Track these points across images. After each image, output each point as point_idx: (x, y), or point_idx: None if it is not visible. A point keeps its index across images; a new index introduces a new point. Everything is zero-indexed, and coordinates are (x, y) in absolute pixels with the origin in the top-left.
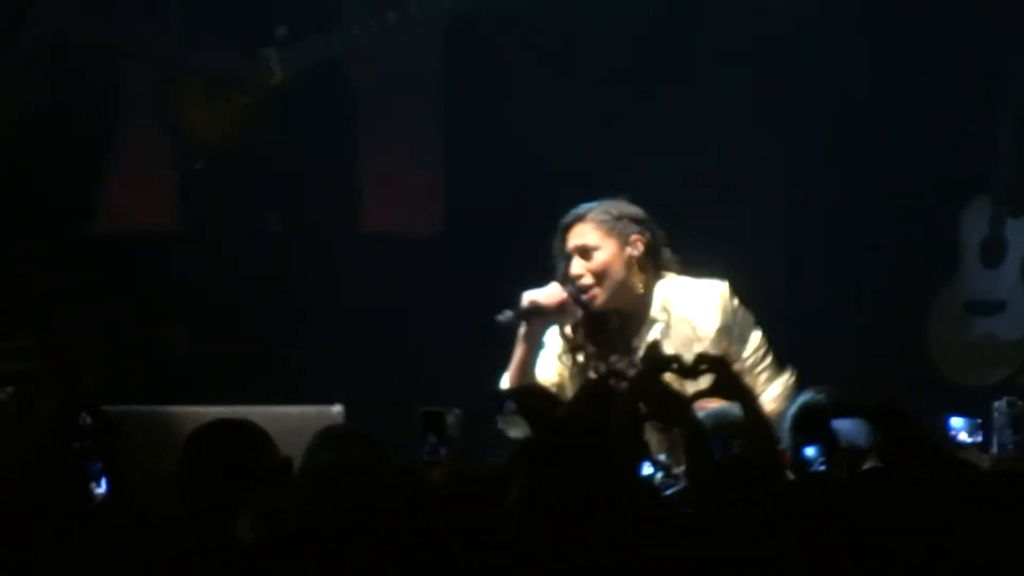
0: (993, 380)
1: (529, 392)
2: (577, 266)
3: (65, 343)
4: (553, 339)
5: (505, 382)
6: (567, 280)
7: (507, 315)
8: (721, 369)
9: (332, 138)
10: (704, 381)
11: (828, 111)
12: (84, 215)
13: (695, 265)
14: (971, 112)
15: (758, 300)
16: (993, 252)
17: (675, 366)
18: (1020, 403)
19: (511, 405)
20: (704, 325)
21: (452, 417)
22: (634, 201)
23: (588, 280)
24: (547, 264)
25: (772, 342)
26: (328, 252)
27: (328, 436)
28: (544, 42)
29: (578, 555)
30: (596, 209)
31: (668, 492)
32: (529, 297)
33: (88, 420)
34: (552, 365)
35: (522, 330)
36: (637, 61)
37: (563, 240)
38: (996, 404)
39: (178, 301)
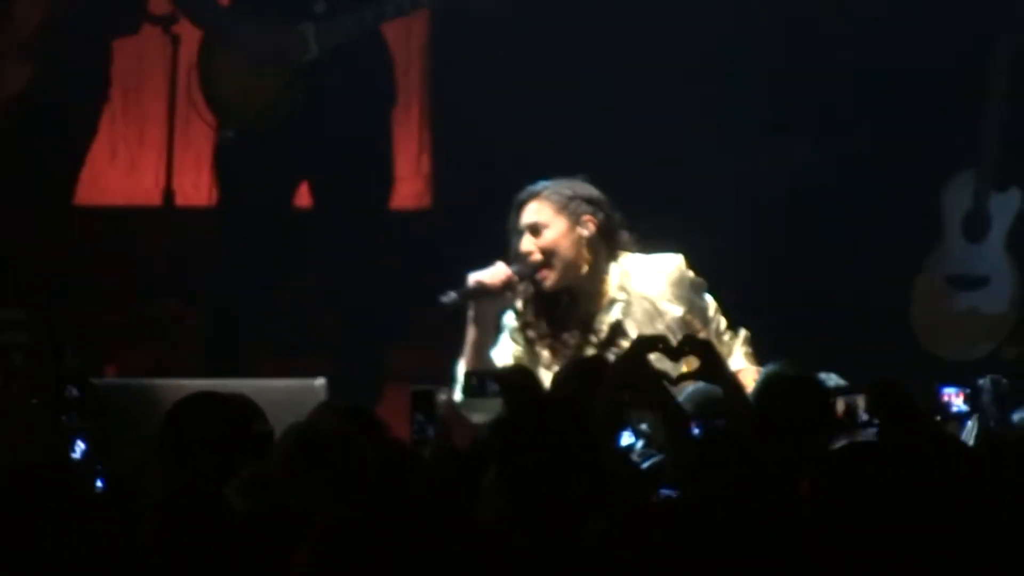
0: (977, 354)
1: (512, 372)
2: (527, 243)
3: (53, 316)
4: (510, 319)
5: (461, 367)
6: (517, 257)
7: (451, 296)
8: (706, 352)
9: (369, 114)
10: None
11: (812, 84)
12: (74, 186)
13: (676, 245)
14: (956, 86)
15: (740, 275)
16: (976, 226)
17: (661, 347)
18: (1004, 381)
19: (493, 385)
20: (664, 300)
21: (441, 396)
22: (614, 181)
23: (537, 257)
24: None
25: (750, 317)
26: (358, 229)
27: (328, 409)
28: (530, 25)
29: (557, 535)
30: (550, 187)
31: (648, 463)
32: (474, 277)
33: (75, 392)
34: (508, 346)
35: (471, 312)
36: (619, 42)
37: (517, 216)
38: (981, 382)
39: (174, 275)
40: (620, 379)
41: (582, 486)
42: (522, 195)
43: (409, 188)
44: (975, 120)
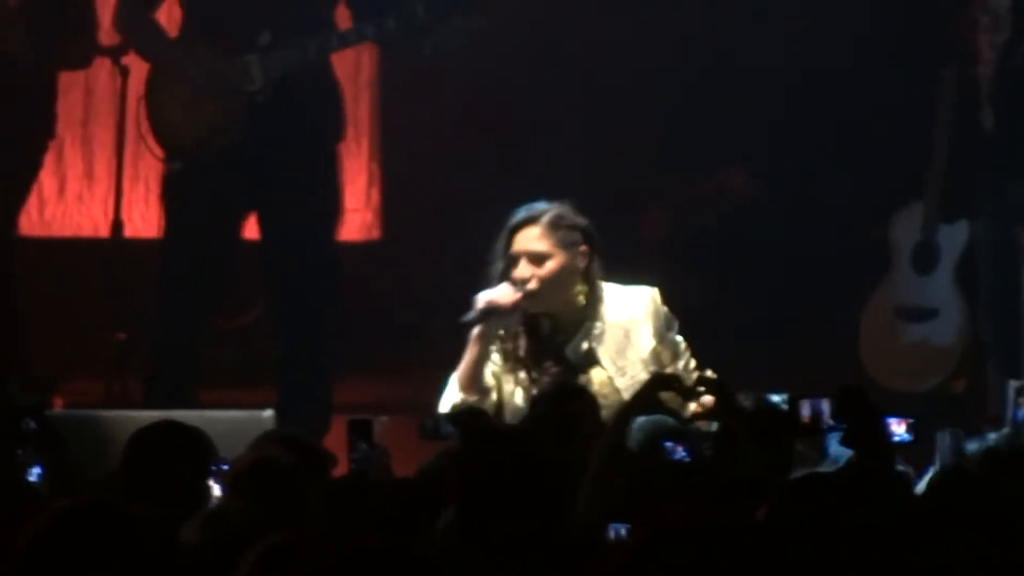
0: (925, 387)
1: (466, 413)
2: (525, 269)
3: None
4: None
5: (453, 383)
6: (511, 282)
7: (471, 316)
8: (719, 392)
9: (317, 144)
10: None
11: (763, 114)
12: (17, 217)
13: (620, 272)
14: (903, 117)
15: (689, 304)
16: (925, 258)
17: (675, 386)
18: (961, 432)
19: (447, 427)
20: (636, 330)
21: (379, 425)
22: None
23: (534, 285)
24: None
25: (701, 347)
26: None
27: (268, 439)
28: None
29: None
30: (548, 214)
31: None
32: (486, 298)
33: (32, 425)
34: (487, 368)
35: (476, 331)
36: (573, 65)
37: (510, 240)
38: (939, 434)
39: (121, 306)
40: (632, 414)
41: (538, 517)
42: (518, 218)
43: (359, 220)
44: (923, 152)
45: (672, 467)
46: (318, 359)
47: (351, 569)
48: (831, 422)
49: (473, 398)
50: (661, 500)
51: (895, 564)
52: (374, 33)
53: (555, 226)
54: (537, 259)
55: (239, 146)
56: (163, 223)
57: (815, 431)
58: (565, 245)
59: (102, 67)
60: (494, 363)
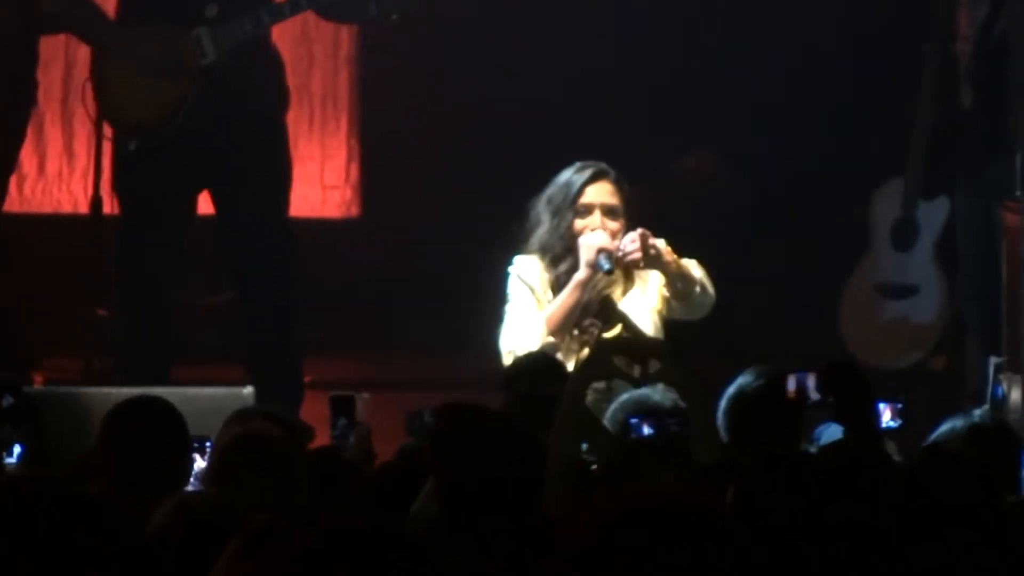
0: (905, 363)
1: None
2: (598, 220)
3: None
4: (530, 276)
5: (533, 323)
6: (588, 230)
7: (607, 264)
8: (667, 355)
9: (265, 117)
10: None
11: (740, 93)
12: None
13: None
14: (884, 95)
15: None
16: (905, 235)
17: (627, 349)
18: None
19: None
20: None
21: (361, 401)
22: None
23: (635, 238)
24: (461, 249)
25: (680, 325)
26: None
27: (243, 415)
28: (462, 19)
29: (494, 542)
30: (614, 172)
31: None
32: (603, 245)
33: (9, 401)
34: (532, 302)
35: (583, 276)
36: (548, 49)
37: (580, 191)
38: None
39: (101, 283)
40: (585, 379)
41: (516, 497)
42: (591, 171)
43: (338, 197)
44: (903, 128)
45: (637, 444)
46: (285, 335)
47: (337, 552)
48: (817, 396)
49: (561, 342)
50: (628, 478)
51: (878, 543)
52: (309, 3)
53: (622, 185)
54: (611, 212)
55: (187, 123)
56: (117, 202)
57: (800, 406)
58: (627, 204)
59: (81, 44)
60: (537, 295)
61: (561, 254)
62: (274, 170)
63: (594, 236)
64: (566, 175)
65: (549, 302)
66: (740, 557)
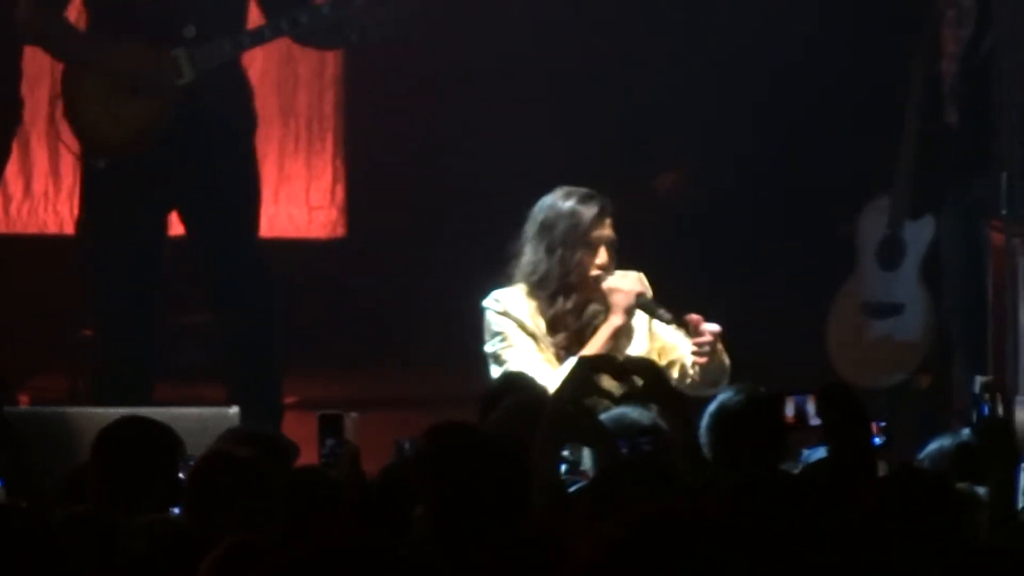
0: (890, 382)
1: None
2: (604, 256)
3: None
4: (518, 311)
5: (549, 370)
6: (595, 266)
7: (665, 313)
8: (649, 373)
9: (234, 138)
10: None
11: (727, 109)
12: None
13: None
14: (872, 113)
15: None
16: (891, 254)
17: (605, 367)
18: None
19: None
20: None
21: (349, 420)
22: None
23: (640, 280)
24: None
25: None
26: (231, 256)
27: (232, 435)
28: (447, 42)
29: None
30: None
31: (571, 489)
32: (636, 291)
33: None
34: (520, 336)
35: (621, 322)
36: (540, 58)
37: (591, 227)
38: (980, 380)
39: (76, 303)
40: (565, 398)
41: (509, 508)
42: (599, 206)
43: (324, 217)
44: (889, 147)
45: (616, 465)
46: (262, 354)
47: (314, 569)
48: (817, 420)
49: None
50: (609, 498)
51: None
52: (289, 28)
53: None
54: (612, 246)
55: (156, 142)
56: (85, 221)
57: (800, 429)
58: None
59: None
60: (527, 330)
61: (562, 289)
62: (243, 190)
63: (626, 281)
64: (567, 205)
65: (543, 334)
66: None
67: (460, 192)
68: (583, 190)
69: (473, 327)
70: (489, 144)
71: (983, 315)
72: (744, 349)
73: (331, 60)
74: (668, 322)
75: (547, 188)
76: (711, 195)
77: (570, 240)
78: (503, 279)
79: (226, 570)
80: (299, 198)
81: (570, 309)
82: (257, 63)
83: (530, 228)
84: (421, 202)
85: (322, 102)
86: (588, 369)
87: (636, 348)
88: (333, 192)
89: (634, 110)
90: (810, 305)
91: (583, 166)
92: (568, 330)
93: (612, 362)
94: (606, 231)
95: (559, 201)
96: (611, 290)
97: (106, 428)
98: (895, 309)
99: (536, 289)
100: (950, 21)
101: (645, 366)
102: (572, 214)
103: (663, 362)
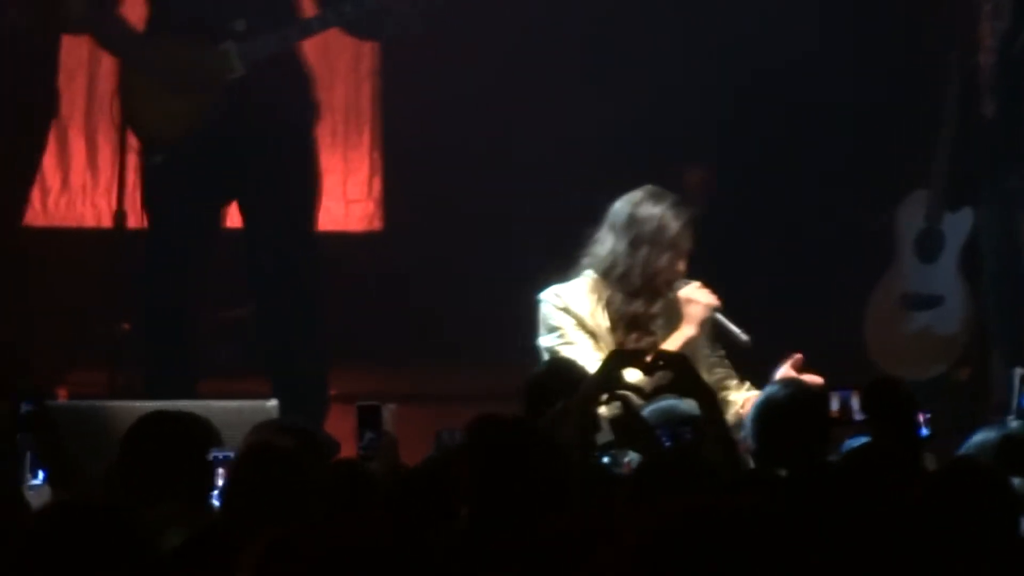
0: (930, 374)
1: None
2: (685, 265)
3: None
4: (579, 306)
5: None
6: (677, 272)
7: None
8: (679, 366)
9: (293, 130)
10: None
11: (765, 101)
12: (24, 206)
13: None
14: (911, 105)
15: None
16: (929, 246)
17: (635, 361)
18: None
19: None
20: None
21: (387, 412)
22: (564, 200)
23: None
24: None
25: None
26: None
27: (265, 428)
28: (484, 34)
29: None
30: None
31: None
32: (712, 301)
33: (29, 409)
34: (588, 341)
35: (694, 334)
36: (576, 50)
37: (684, 231)
38: (1019, 372)
39: (125, 297)
40: (595, 391)
41: (551, 501)
42: (687, 213)
43: (361, 211)
44: (928, 140)
45: (662, 456)
46: (309, 347)
47: (354, 563)
48: (861, 415)
49: None
50: (654, 490)
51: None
52: (336, 19)
53: None
54: (689, 257)
55: (216, 136)
56: (145, 216)
57: (846, 424)
58: None
59: (105, 55)
60: (588, 328)
61: (647, 289)
62: (302, 183)
63: (702, 294)
64: (658, 207)
65: (604, 331)
66: (794, 566)
67: (496, 184)
68: (672, 195)
69: (511, 319)
70: (525, 136)
71: (1021, 307)
72: (780, 343)
73: (367, 53)
74: (743, 344)
75: (581, 180)
76: (745, 190)
77: (657, 242)
78: (545, 271)
79: (267, 564)
80: (336, 192)
81: (641, 309)
82: (302, 55)
83: (613, 222)
84: (457, 195)
85: (359, 96)
86: (618, 363)
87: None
88: (370, 185)
89: (664, 103)
90: (848, 298)
91: (616, 158)
92: (642, 331)
93: (639, 355)
94: (690, 240)
95: (649, 200)
96: (687, 300)
97: (132, 426)
98: (934, 301)
99: (616, 284)
100: (987, 14)
101: (676, 359)
102: (662, 216)
103: None
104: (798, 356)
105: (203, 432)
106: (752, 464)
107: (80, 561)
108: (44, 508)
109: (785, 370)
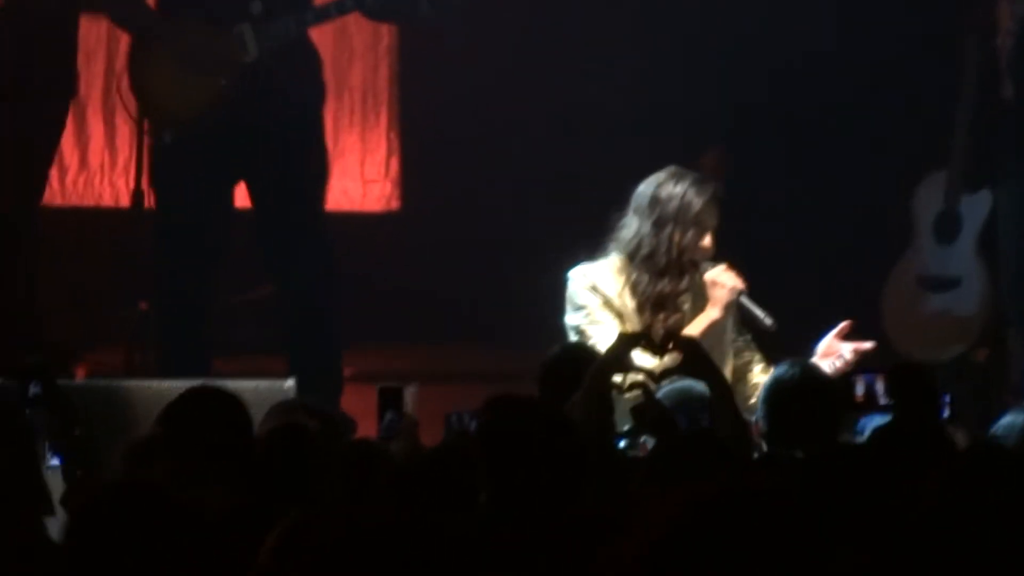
0: (947, 356)
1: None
2: (710, 242)
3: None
4: (606, 286)
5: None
6: (701, 250)
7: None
8: (688, 347)
9: (302, 111)
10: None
11: (784, 82)
12: (43, 185)
13: None
14: (928, 87)
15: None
16: (947, 228)
17: (644, 342)
18: None
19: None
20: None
21: (408, 393)
22: (584, 181)
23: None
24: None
25: None
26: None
27: (284, 407)
28: (500, 13)
29: (546, 535)
30: None
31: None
32: (738, 284)
33: (38, 390)
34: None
35: (719, 316)
36: (595, 33)
37: (708, 208)
38: None
39: (132, 275)
40: (603, 374)
41: (568, 482)
42: (711, 190)
43: (378, 191)
44: (946, 121)
45: (682, 438)
46: (323, 327)
47: (372, 547)
48: (886, 400)
49: None
50: (674, 472)
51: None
52: (353, 4)
53: None
54: (716, 235)
55: (224, 116)
56: (154, 195)
57: (870, 408)
58: None
59: (124, 35)
60: (615, 309)
61: (672, 268)
62: (311, 163)
63: (728, 277)
64: (680, 185)
65: (630, 312)
66: (816, 549)
67: (513, 165)
68: (695, 173)
69: (528, 299)
70: (542, 116)
71: None
72: (798, 326)
73: (385, 33)
74: (767, 328)
75: (598, 160)
76: (764, 169)
77: (681, 220)
78: (563, 248)
79: (284, 548)
80: (353, 171)
81: (668, 289)
82: (311, 37)
83: (637, 204)
84: (475, 175)
85: (376, 75)
86: (627, 345)
87: (716, 354)
88: (387, 165)
89: (684, 84)
90: (866, 279)
91: (634, 140)
92: (670, 310)
93: (649, 338)
94: (715, 219)
95: (671, 180)
96: (712, 282)
97: (176, 399)
98: (952, 283)
99: (642, 264)
100: None
101: (686, 341)
102: (685, 194)
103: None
104: (845, 324)
105: (245, 411)
106: (765, 446)
107: (139, 541)
108: (102, 486)
109: (830, 339)
